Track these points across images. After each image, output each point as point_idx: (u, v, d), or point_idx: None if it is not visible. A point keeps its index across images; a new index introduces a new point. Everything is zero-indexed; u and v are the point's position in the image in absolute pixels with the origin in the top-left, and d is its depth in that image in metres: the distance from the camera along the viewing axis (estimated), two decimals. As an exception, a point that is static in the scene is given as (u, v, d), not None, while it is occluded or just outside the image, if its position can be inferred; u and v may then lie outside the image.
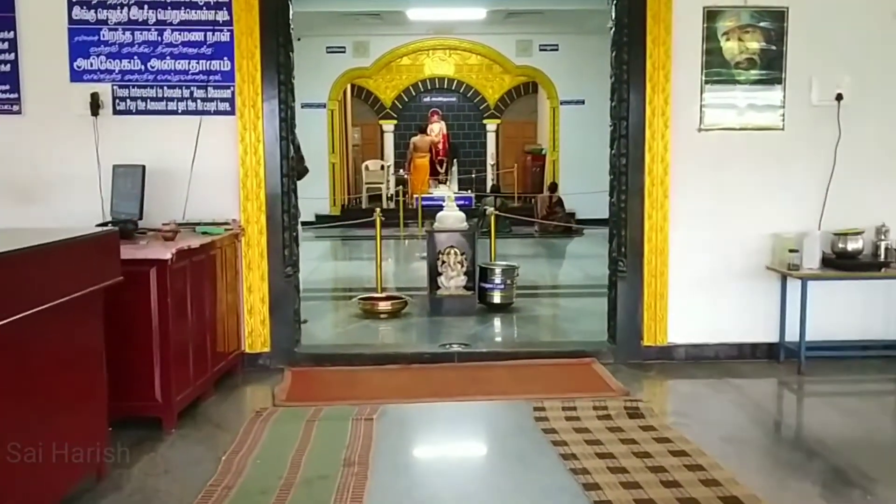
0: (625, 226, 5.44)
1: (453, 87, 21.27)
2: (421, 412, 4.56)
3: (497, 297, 7.35)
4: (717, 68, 5.34)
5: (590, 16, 14.30)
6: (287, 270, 5.40)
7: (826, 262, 5.30)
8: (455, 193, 17.82)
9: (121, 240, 4.42)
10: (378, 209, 7.73)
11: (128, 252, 4.04)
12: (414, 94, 21.22)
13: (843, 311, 5.49)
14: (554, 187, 15.39)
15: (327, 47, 16.30)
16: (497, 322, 6.94)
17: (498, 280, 7.33)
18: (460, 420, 4.53)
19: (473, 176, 19.14)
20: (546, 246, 13.07)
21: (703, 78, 5.35)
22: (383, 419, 4.32)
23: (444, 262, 7.34)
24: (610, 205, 5.61)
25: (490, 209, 7.86)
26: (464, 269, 7.34)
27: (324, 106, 16.39)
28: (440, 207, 14.88)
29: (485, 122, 21.29)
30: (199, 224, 5.08)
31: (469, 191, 17.86)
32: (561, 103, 16.62)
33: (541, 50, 16.55)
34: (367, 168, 18.13)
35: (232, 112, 5.28)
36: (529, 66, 16.64)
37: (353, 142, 20.91)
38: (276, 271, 5.37)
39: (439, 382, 5.11)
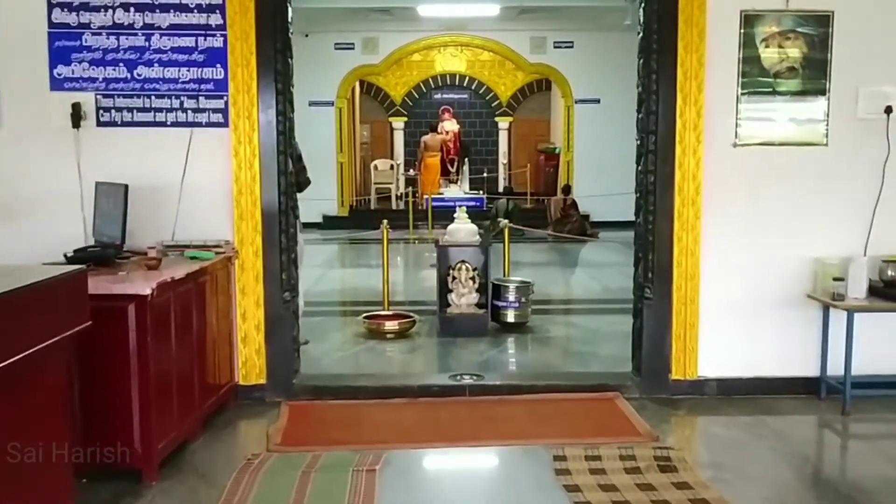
0: (652, 249, 4.99)
1: (465, 84, 20.87)
2: (428, 461, 4.13)
3: (511, 316, 6.92)
4: (754, 78, 4.88)
5: (606, 12, 13.86)
6: (285, 295, 4.98)
7: (873, 290, 4.83)
8: (466, 194, 17.50)
9: (100, 267, 4.07)
10: (385, 221, 7.31)
11: (103, 286, 3.64)
12: (425, 90, 20.83)
13: (889, 344, 5.02)
14: (568, 189, 14.94)
15: (335, 44, 15.90)
16: (511, 345, 6.52)
17: (512, 298, 6.90)
18: (472, 471, 4.11)
19: (485, 175, 18.70)
20: (560, 252, 12.63)
21: (740, 89, 4.89)
22: (386, 470, 3.89)
23: (454, 277, 6.91)
24: (636, 226, 5.17)
25: (504, 222, 7.42)
26: (476, 285, 6.91)
27: (332, 104, 15.99)
28: (451, 208, 14.51)
29: (497, 119, 20.89)
30: (188, 246, 4.66)
31: (481, 191, 17.44)
32: (576, 102, 16.17)
33: (555, 47, 16.10)
34: (375, 167, 17.72)
35: (225, 124, 4.85)
36: (543, 64, 16.20)
37: (361, 140, 20.52)
38: (272, 296, 4.95)
39: (449, 422, 4.68)
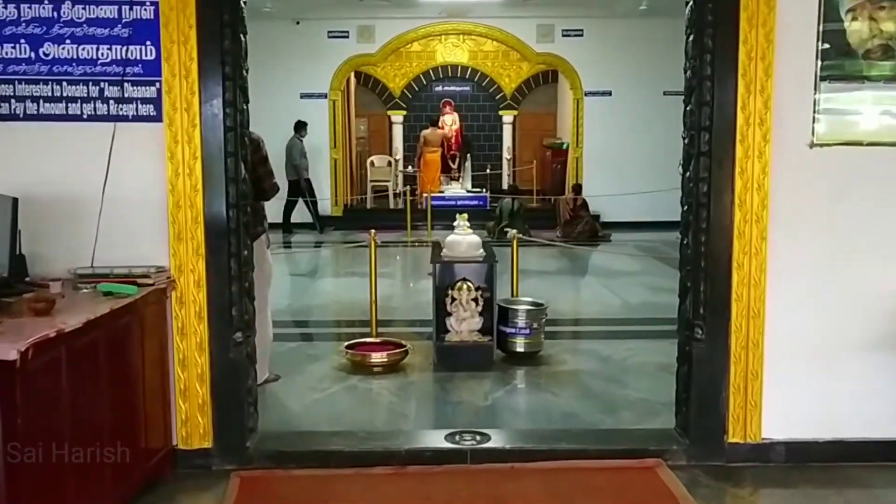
0: (704, 277, 3.91)
1: (467, 76, 19.78)
2: (416, 573, 3.08)
3: (520, 346, 5.85)
4: (838, 59, 3.79)
5: (619, -3, 12.83)
6: (236, 336, 3.91)
7: None
8: (468, 192, 16.44)
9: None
10: (373, 231, 6.23)
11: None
12: (425, 82, 19.75)
13: None
14: (578, 188, 13.84)
15: (329, 32, 14.83)
16: (521, 382, 5.45)
17: (522, 324, 5.82)
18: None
19: (488, 172, 17.62)
20: (570, 257, 11.54)
21: (819, 72, 3.80)
22: None
23: (453, 299, 5.85)
24: (682, 247, 4.09)
25: (512, 232, 6.35)
26: (479, 307, 5.85)
27: (325, 96, 14.94)
28: (452, 208, 13.49)
29: (501, 113, 19.80)
30: (107, 276, 3.59)
31: (483, 189, 16.39)
32: (585, 94, 15.07)
33: (563, 35, 15.00)
34: (372, 164, 16.64)
35: (158, 118, 3.78)
36: (551, 54, 15.08)
37: (358, 134, 19.45)
38: (220, 338, 3.88)
39: (444, 503, 3.62)
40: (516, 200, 13.39)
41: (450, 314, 5.87)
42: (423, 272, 8.93)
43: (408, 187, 14.58)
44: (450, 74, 19.77)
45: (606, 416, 4.69)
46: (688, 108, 3.97)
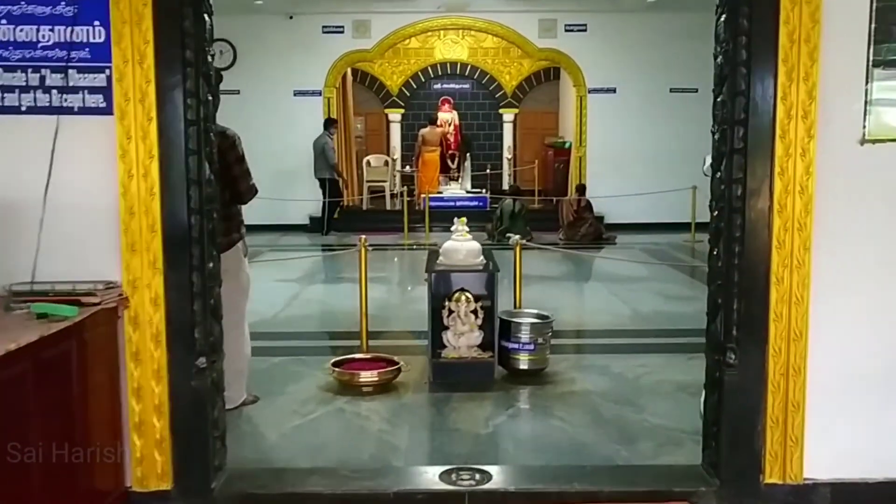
0: (738, 294, 3.39)
1: (467, 73, 19.31)
2: None
3: (524, 363, 5.34)
4: (895, 42, 3.29)
5: (626, -10, 12.32)
6: (200, 362, 3.39)
7: None
8: (468, 193, 15.91)
9: None
10: (363, 238, 5.70)
11: None
12: (423, 80, 19.28)
13: None
14: (582, 189, 13.32)
15: (323, 27, 14.30)
16: (526, 405, 4.94)
17: (525, 339, 5.32)
18: None
19: (488, 172, 17.11)
20: (574, 262, 11.02)
21: (872, 57, 3.29)
22: None
23: (451, 311, 5.34)
24: (711, 258, 3.57)
25: (515, 238, 5.83)
26: (478, 320, 5.34)
27: (319, 93, 14.41)
28: (451, 209, 13.02)
29: (501, 111, 19.33)
30: (46, 294, 3.09)
31: (483, 190, 15.89)
32: (589, 91, 14.52)
33: (566, 30, 14.46)
34: (368, 164, 16.12)
35: (108, 110, 3.27)
36: (553, 49, 14.53)
37: (354, 133, 18.94)
38: (180, 364, 3.36)
39: (439, 561, 3.11)
40: (518, 202, 12.88)
41: (447, 328, 5.36)
42: (421, 278, 8.38)
43: (405, 188, 14.07)
44: (449, 72, 19.31)
45: (622, 448, 4.17)
46: (718, 99, 3.45)
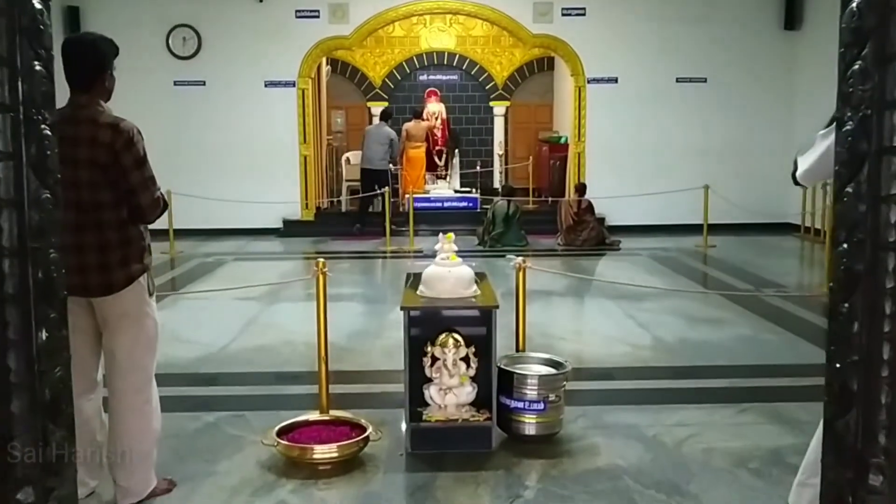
0: (890, 382, 2.13)
1: (455, 63, 18.08)
2: None
3: (531, 427, 4.09)
4: None
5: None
6: (23, 496, 2.10)
7: None
8: (456, 192, 14.63)
9: None
10: (321, 261, 4.41)
11: None
12: (408, 71, 18.05)
13: None
14: (583, 188, 12.05)
15: (296, 11, 13.04)
16: (534, 493, 3.65)
17: (533, 395, 4.06)
18: None
19: (478, 170, 15.86)
20: (578, 271, 9.78)
21: None
22: None
23: (435, 359, 4.07)
24: (839, 318, 2.30)
25: (517, 260, 4.54)
26: (471, 370, 4.08)
27: (292, 84, 13.14)
28: (438, 209, 11.75)
29: (491, 104, 18.12)
30: None
31: (473, 189, 14.65)
32: (588, 81, 13.30)
33: (564, 14, 13.21)
34: (347, 161, 14.84)
35: None
36: (549, 35, 13.25)
37: (335, 128, 17.69)
38: (-8, 499, 2.08)
39: None
40: (512, 203, 11.62)
41: (429, 381, 4.10)
42: (401, 293, 7.12)
43: (387, 187, 12.80)
44: (435, 62, 18.11)
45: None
46: (855, 68, 2.18)
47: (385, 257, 10.98)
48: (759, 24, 12.96)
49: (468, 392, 4.08)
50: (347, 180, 14.50)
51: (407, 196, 13.07)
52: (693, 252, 10.94)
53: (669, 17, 12.86)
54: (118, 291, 3.30)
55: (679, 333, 6.46)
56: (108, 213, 3.26)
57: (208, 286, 8.76)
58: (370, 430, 4.02)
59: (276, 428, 4.00)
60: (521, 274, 4.50)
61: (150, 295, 3.45)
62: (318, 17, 13.08)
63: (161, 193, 3.37)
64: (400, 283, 6.77)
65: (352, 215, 13.19)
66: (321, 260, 4.42)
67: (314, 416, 4.23)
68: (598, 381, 5.13)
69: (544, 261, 10.60)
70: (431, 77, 18.02)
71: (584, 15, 13.17)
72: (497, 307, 4.08)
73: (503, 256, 10.45)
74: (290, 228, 13.03)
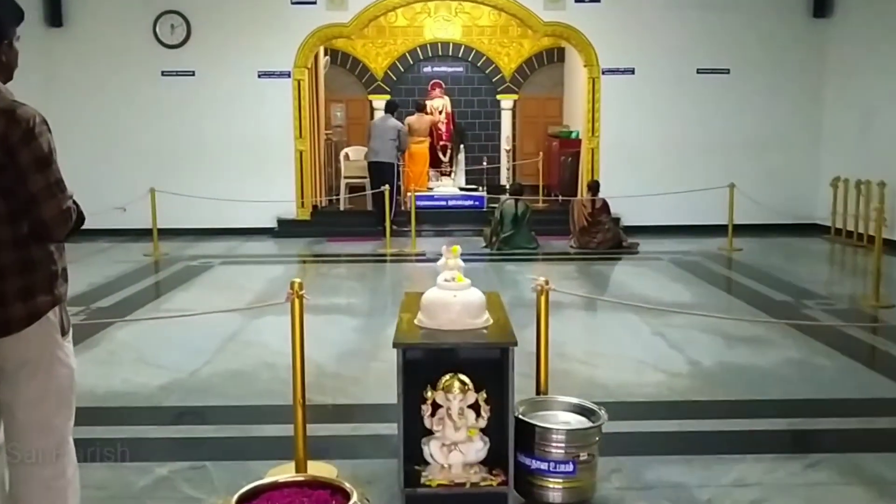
0: None
1: (460, 55, 17.30)
2: None
3: (557, 494, 3.26)
4: None
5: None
6: None
7: None
8: (461, 190, 13.83)
9: None
10: (296, 283, 3.60)
11: None
12: (412, 62, 17.30)
13: None
14: (596, 187, 11.20)
15: (292, -2, 12.21)
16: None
17: (560, 453, 3.24)
18: None
19: (485, 166, 15.05)
20: (592, 277, 8.96)
21: None
22: None
23: (436, 407, 3.26)
24: None
25: (539, 280, 3.69)
26: (482, 421, 3.26)
27: (288, 75, 12.34)
28: (442, 208, 10.92)
29: (499, 97, 17.32)
30: None
31: (480, 187, 13.86)
32: (603, 73, 12.47)
33: (577, 1, 12.37)
34: (346, 157, 14.03)
35: None
36: (561, 23, 12.40)
37: (334, 122, 16.90)
38: None
39: None
40: (521, 202, 10.79)
41: (430, 434, 3.28)
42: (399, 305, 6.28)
43: (390, 184, 11.97)
44: (440, 53, 17.35)
45: None
46: None
47: (385, 261, 10.17)
48: (787, 12, 12.12)
49: (478, 449, 3.26)
50: (347, 177, 13.68)
51: (409, 194, 12.26)
52: (717, 256, 10.10)
53: (690, 4, 12.04)
54: (17, 331, 2.49)
55: (717, 356, 5.63)
56: (0, 230, 2.45)
57: (189, 294, 7.94)
58: (355, 496, 3.18)
59: (237, 495, 3.17)
60: (542, 298, 3.66)
61: (64, 334, 2.63)
62: (314, 3, 12.28)
63: (73, 203, 2.54)
64: (400, 291, 6.01)
65: (370, 215, 12.25)
66: (297, 281, 3.59)
67: (286, 475, 3.40)
68: (632, 422, 4.28)
69: (557, 266, 9.79)
70: (436, 69, 17.26)
71: (598, 1, 12.34)
72: (515, 344, 3.24)
73: (512, 260, 9.69)
74: (285, 228, 12.26)
